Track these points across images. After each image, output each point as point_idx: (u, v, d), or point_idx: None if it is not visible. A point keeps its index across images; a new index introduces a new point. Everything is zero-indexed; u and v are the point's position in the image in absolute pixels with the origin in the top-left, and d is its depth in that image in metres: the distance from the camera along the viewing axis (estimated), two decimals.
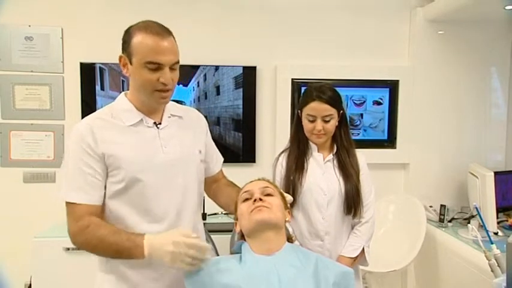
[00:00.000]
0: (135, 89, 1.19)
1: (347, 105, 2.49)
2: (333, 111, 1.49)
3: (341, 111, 1.54)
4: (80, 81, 2.31)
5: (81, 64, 2.31)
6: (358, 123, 2.51)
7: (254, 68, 2.43)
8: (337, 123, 1.53)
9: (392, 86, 2.51)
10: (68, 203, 1.13)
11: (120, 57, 1.17)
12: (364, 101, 2.51)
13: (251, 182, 1.25)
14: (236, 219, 1.21)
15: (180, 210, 1.21)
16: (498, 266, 1.18)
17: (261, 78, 2.45)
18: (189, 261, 1.04)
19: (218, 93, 2.41)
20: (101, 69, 2.32)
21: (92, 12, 2.34)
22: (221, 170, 1.47)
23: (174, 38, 1.16)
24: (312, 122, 1.50)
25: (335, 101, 1.50)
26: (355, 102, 2.50)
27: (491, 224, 2.04)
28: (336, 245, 1.53)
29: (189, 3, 2.38)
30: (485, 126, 2.56)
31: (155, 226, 1.16)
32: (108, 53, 2.32)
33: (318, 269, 1.07)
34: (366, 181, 1.57)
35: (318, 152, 1.57)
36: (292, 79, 2.44)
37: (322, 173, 1.54)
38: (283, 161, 1.59)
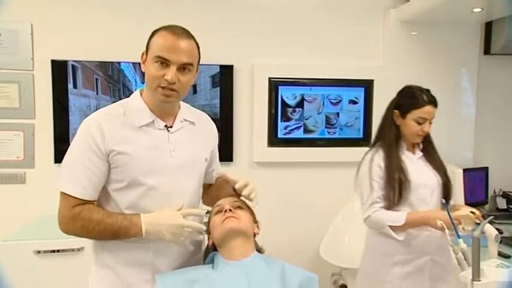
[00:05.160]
0: (146, 85, 1.20)
1: (323, 104, 2.53)
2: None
3: None
4: (52, 79, 2.25)
5: (53, 61, 2.24)
6: (334, 122, 2.55)
7: (231, 66, 2.42)
8: None
9: (367, 86, 2.55)
10: (62, 192, 1.14)
11: (142, 54, 1.19)
12: (340, 100, 2.55)
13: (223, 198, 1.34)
14: (208, 233, 1.27)
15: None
16: (465, 259, 1.22)
17: (238, 77, 2.44)
18: (187, 234, 1.12)
19: (195, 92, 2.39)
20: (73, 67, 2.26)
21: (64, 7, 2.27)
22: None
23: (196, 43, 1.18)
24: (420, 124, 1.64)
25: None
26: (332, 101, 2.54)
27: None
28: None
29: (165, 1, 2.34)
30: (455, 125, 2.63)
31: None
32: (81, 49, 2.28)
33: (284, 272, 1.17)
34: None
35: (408, 150, 1.71)
36: (269, 78, 2.45)
37: (419, 169, 1.68)
38: (380, 162, 1.67)
